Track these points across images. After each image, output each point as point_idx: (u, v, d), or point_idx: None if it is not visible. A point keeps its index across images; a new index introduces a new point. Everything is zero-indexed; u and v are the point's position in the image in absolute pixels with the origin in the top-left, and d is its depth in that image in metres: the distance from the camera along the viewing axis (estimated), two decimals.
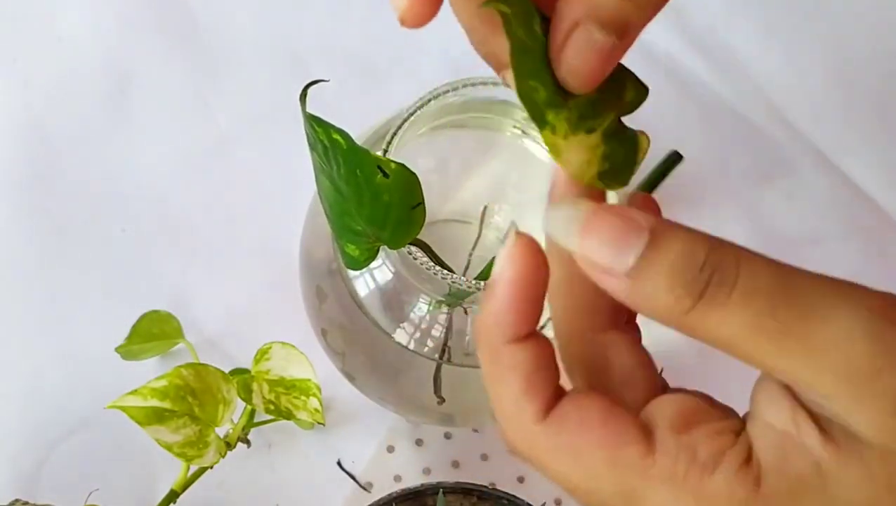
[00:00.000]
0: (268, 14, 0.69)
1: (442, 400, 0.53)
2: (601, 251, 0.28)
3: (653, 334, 0.65)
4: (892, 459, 0.28)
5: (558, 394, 0.30)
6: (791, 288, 0.28)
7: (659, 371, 0.33)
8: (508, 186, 0.56)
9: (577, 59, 0.29)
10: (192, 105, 0.67)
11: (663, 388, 0.33)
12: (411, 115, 0.48)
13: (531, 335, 0.30)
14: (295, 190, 0.58)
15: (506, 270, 0.29)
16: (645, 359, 0.33)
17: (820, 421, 0.29)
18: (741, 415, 0.31)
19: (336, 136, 0.39)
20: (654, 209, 0.32)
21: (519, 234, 0.30)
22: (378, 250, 0.45)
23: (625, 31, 0.29)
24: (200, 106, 0.67)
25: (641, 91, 0.34)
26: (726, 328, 0.28)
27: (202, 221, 0.65)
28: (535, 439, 0.30)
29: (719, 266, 0.28)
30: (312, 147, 0.41)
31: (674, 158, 0.47)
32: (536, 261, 0.30)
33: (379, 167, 0.39)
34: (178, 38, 0.68)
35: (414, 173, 0.41)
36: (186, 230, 0.65)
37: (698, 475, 0.28)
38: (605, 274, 0.28)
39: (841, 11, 0.72)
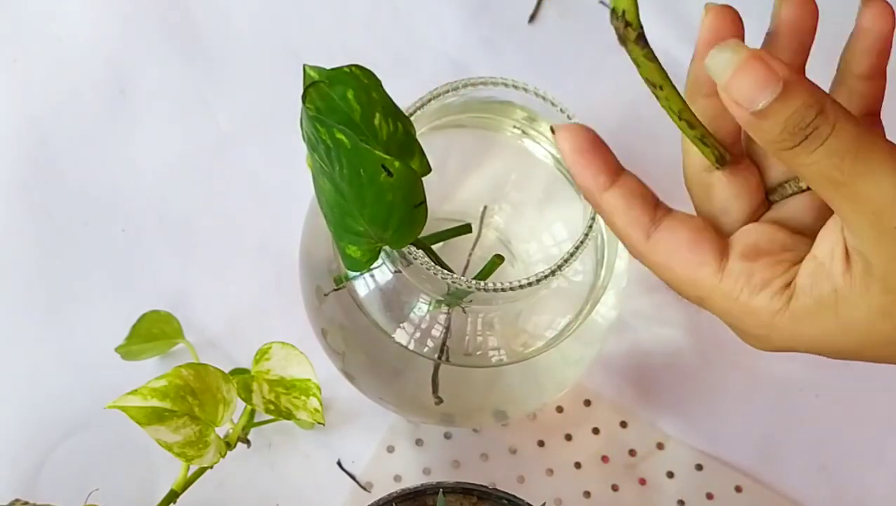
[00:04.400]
0: (267, 14, 0.69)
1: (440, 400, 0.53)
2: (742, 91, 0.36)
3: (655, 336, 0.65)
4: (888, 295, 0.37)
5: (658, 216, 0.41)
6: (862, 152, 0.36)
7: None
8: (508, 185, 0.56)
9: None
10: (192, 105, 0.67)
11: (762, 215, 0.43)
12: (411, 115, 0.48)
13: (615, 179, 0.40)
14: (295, 190, 0.58)
15: (563, 146, 0.40)
16: (742, 192, 0.42)
17: (850, 255, 0.38)
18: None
19: (339, 135, 0.39)
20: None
21: (558, 127, 0.40)
22: (380, 251, 0.45)
23: None
24: (200, 106, 0.67)
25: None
26: (807, 169, 0.37)
27: (202, 221, 0.65)
28: (643, 256, 0.41)
29: (818, 126, 0.36)
30: (313, 148, 0.41)
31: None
32: (581, 130, 0.40)
33: (383, 166, 0.39)
34: (178, 38, 0.68)
35: (416, 172, 0.41)
36: (186, 230, 0.65)
37: (748, 293, 0.39)
38: (738, 107, 0.36)
39: (841, 11, 0.72)
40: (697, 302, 0.41)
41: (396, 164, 0.40)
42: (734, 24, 0.41)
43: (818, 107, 0.36)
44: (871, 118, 0.43)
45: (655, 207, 0.41)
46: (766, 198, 0.43)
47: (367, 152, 0.39)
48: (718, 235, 0.41)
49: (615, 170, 0.40)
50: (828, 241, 0.39)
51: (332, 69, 0.44)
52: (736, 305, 0.40)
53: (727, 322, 0.41)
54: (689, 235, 0.40)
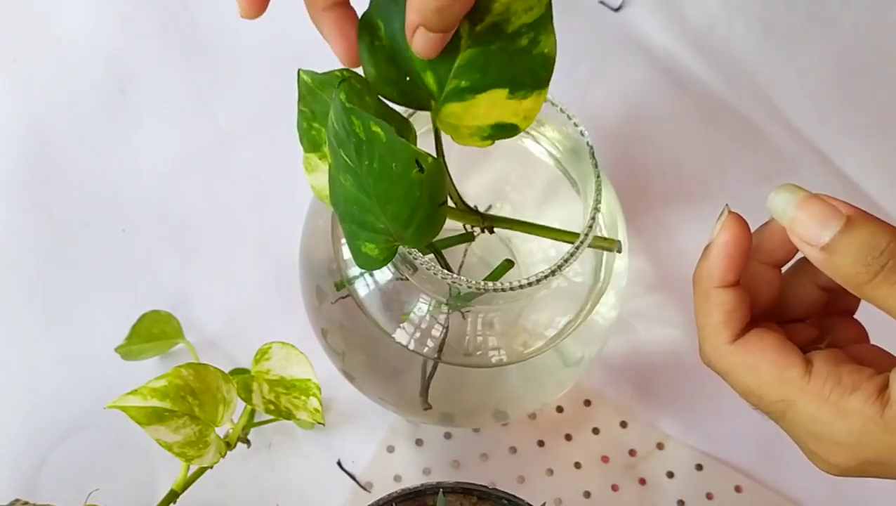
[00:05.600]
0: (268, 14, 0.69)
1: (428, 407, 0.53)
2: (807, 227, 0.38)
3: (655, 336, 0.65)
4: None
5: (747, 329, 0.41)
6: None
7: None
8: (508, 185, 0.56)
9: (421, 48, 0.43)
10: (192, 105, 0.67)
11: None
12: (411, 114, 0.48)
13: (734, 284, 0.41)
14: (295, 190, 0.58)
15: (721, 234, 0.41)
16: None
17: None
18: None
19: (375, 128, 0.39)
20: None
21: (731, 211, 0.41)
22: (396, 250, 0.45)
23: (448, 27, 0.42)
24: (200, 106, 0.67)
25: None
26: (891, 301, 0.37)
27: (202, 221, 0.65)
28: (725, 356, 0.41)
29: (894, 255, 0.37)
30: (340, 143, 0.41)
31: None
32: (742, 231, 0.41)
33: (416, 161, 0.39)
34: (178, 38, 0.68)
35: (444, 169, 0.41)
36: (186, 230, 0.65)
37: (839, 394, 0.39)
38: (806, 244, 0.38)
39: (841, 11, 0.72)
40: (779, 409, 0.41)
41: (430, 159, 0.40)
42: (748, 237, 0.41)
43: (889, 235, 0.37)
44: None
45: (747, 322, 0.41)
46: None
47: (403, 146, 0.39)
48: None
49: (739, 276, 0.41)
50: None
51: (324, 73, 0.44)
52: (826, 406, 0.39)
53: (807, 434, 0.41)
54: (775, 340, 0.41)
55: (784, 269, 0.43)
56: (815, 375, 0.39)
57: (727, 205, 0.41)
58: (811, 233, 0.38)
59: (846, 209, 0.38)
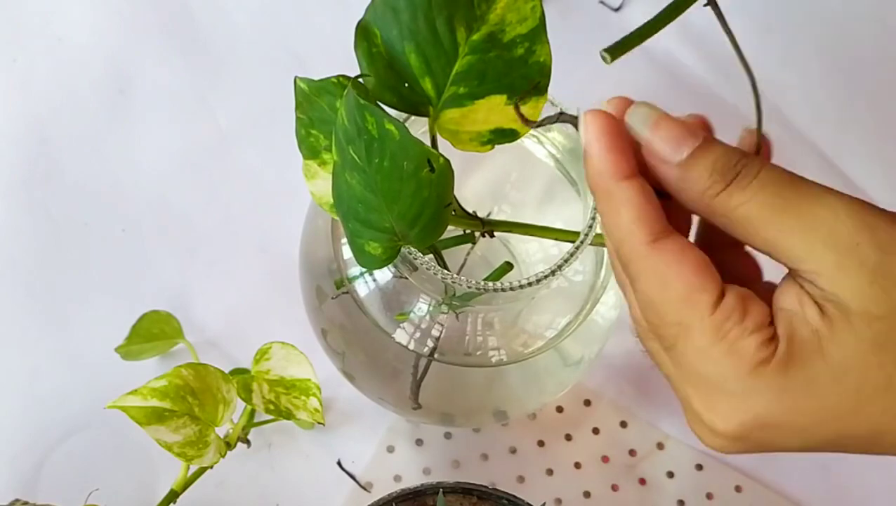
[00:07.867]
0: (268, 14, 0.70)
1: (418, 406, 0.53)
2: (663, 145, 0.37)
3: None
4: (874, 322, 0.35)
5: (667, 230, 0.38)
6: (797, 184, 0.37)
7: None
8: (508, 185, 0.56)
9: None
10: (192, 105, 0.67)
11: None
12: (406, 119, 0.48)
13: (634, 176, 0.38)
14: (295, 190, 0.58)
15: (590, 127, 0.38)
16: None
17: (818, 303, 0.36)
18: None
19: (389, 125, 0.39)
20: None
21: (589, 110, 0.39)
22: (399, 250, 0.45)
23: None
24: (200, 106, 0.67)
25: None
26: (745, 208, 0.37)
27: (202, 221, 0.65)
28: (641, 258, 0.37)
29: (747, 165, 0.37)
30: (348, 141, 0.41)
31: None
32: (606, 117, 0.38)
33: (428, 160, 0.39)
34: (178, 38, 0.68)
35: (453, 171, 0.41)
36: (186, 230, 0.65)
37: (738, 333, 0.36)
38: (663, 163, 0.37)
39: (841, 11, 0.72)
40: (672, 334, 0.37)
41: (441, 159, 0.40)
42: (615, 121, 0.39)
43: (741, 153, 0.37)
44: None
45: (664, 222, 0.38)
46: None
47: (416, 145, 0.39)
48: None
49: (633, 167, 0.38)
50: (790, 293, 0.37)
51: (320, 80, 0.44)
52: (722, 344, 0.36)
53: (691, 376, 0.38)
54: (696, 257, 0.37)
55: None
56: (721, 308, 0.36)
57: (578, 108, 0.40)
58: (668, 149, 0.37)
59: (700, 131, 0.37)
